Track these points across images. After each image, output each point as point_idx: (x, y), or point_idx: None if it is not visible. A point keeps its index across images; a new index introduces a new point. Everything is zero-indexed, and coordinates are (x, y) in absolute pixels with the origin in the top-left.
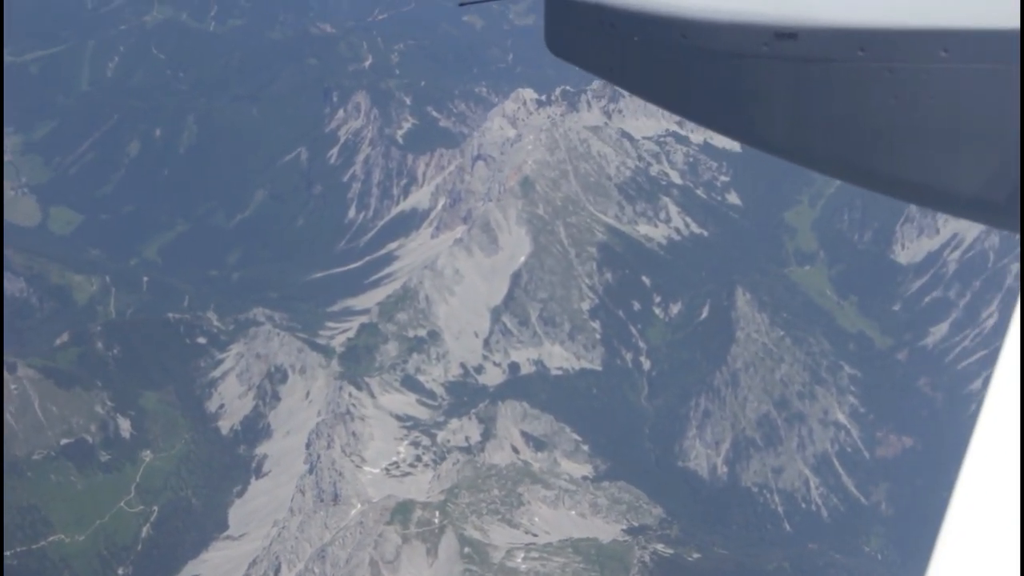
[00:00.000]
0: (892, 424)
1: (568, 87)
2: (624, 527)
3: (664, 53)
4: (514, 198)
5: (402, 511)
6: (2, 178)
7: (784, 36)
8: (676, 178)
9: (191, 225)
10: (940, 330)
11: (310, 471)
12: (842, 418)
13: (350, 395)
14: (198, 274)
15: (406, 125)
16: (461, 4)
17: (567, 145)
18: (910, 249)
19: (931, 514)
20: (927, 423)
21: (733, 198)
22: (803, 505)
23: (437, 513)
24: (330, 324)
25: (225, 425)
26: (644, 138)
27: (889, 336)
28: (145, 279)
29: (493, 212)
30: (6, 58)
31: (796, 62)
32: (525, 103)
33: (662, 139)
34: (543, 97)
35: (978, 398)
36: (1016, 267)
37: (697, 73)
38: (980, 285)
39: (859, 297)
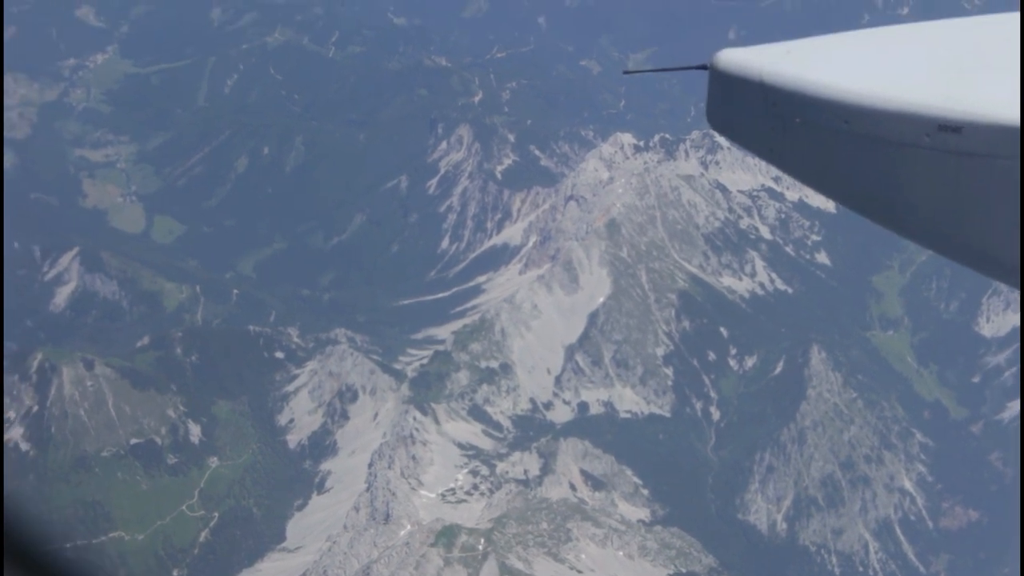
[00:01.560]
0: (960, 496)
1: (667, 135)
2: (671, 572)
3: (825, 137)
4: (599, 239)
5: (447, 534)
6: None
7: (947, 129)
8: (766, 233)
9: (289, 243)
10: (1017, 405)
11: (367, 490)
12: (908, 485)
13: (415, 419)
14: (290, 292)
15: (507, 161)
16: (625, 72)
17: (657, 191)
18: (995, 322)
19: None
20: (995, 498)
21: (822, 258)
22: (860, 568)
23: (482, 540)
24: (411, 351)
25: (293, 439)
26: (739, 191)
27: (965, 407)
28: (235, 292)
29: (576, 251)
30: (130, 69)
31: (958, 156)
32: (623, 147)
33: (756, 193)
34: (641, 143)
35: None
36: None
37: (857, 159)
38: None
39: (939, 366)
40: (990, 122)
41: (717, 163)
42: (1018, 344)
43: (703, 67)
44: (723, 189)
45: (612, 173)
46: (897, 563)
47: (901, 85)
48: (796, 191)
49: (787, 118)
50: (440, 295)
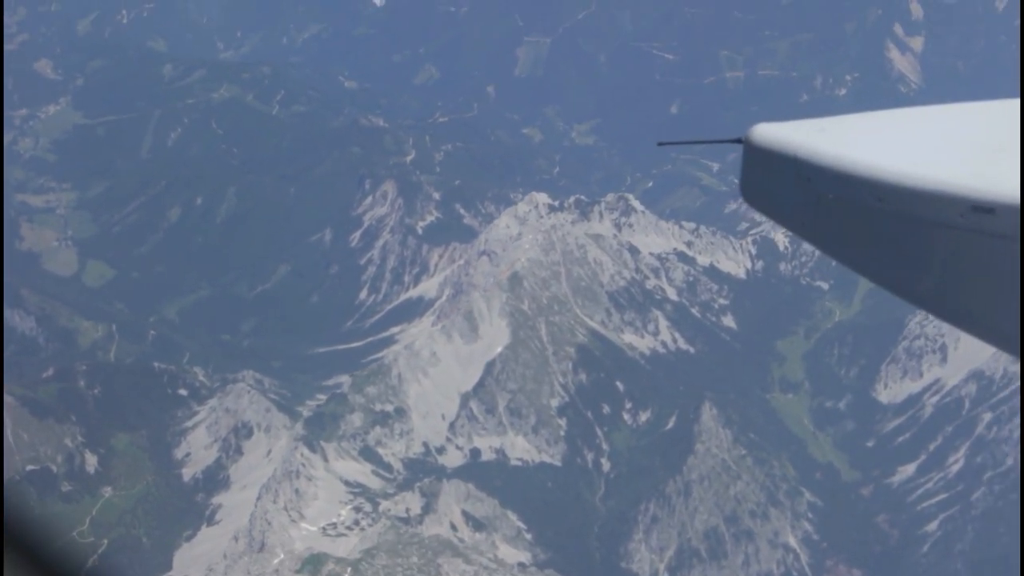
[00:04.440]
0: (844, 555)
1: (583, 196)
2: None
3: (857, 214)
4: (500, 291)
5: (313, 562)
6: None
7: (981, 210)
8: (672, 294)
9: (214, 291)
10: (907, 470)
11: (249, 520)
12: (793, 542)
13: (302, 455)
14: (210, 337)
15: (429, 218)
16: (659, 144)
17: (563, 248)
18: (892, 389)
19: None
20: (879, 558)
21: (728, 321)
22: None
23: (349, 569)
24: (320, 396)
25: (188, 472)
26: (649, 253)
27: (857, 470)
28: (152, 333)
29: (478, 302)
30: (80, 120)
31: (991, 237)
32: (537, 206)
33: (666, 256)
34: (556, 203)
35: (932, 539)
36: (988, 416)
37: (889, 237)
38: (952, 431)
39: (835, 430)
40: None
41: (631, 225)
42: (912, 411)
43: (737, 140)
44: (633, 250)
45: (522, 229)
46: None
47: (936, 165)
48: (708, 256)
49: (820, 194)
50: (354, 344)
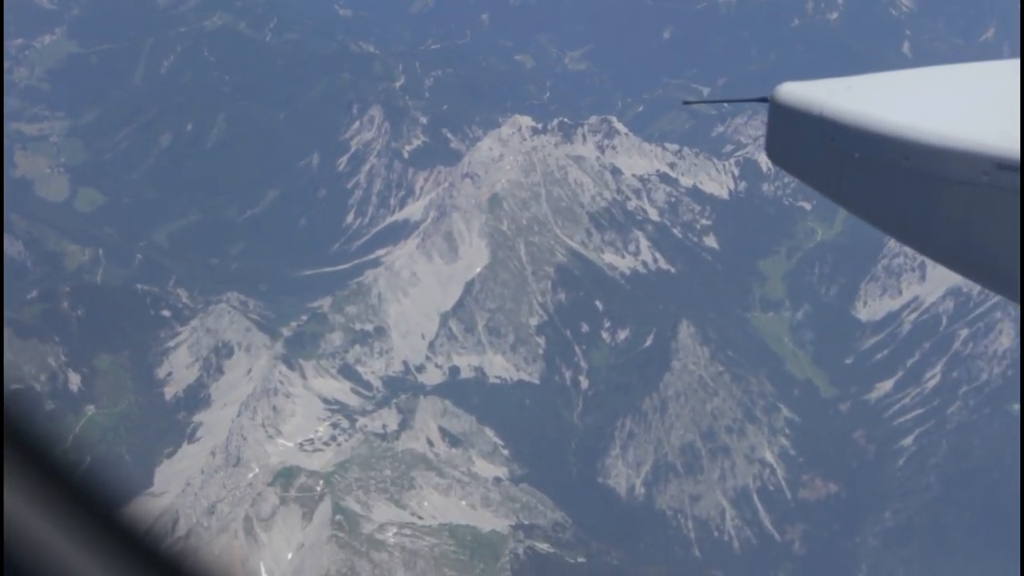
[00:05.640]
0: (820, 469)
1: (566, 119)
2: (513, 523)
3: (883, 172)
4: (480, 212)
5: (285, 475)
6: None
7: (1006, 167)
8: (654, 215)
9: (203, 216)
10: (885, 386)
11: (227, 436)
12: (769, 457)
13: (280, 373)
14: (199, 261)
15: (416, 142)
16: (685, 103)
17: (543, 169)
18: (871, 307)
19: (841, 557)
20: (855, 473)
21: (710, 241)
22: (716, 534)
23: (321, 482)
24: (304, 318)
25: (170, 391)
26: (632, 175)
27: (836, 387)
28: (138, 256)
29: (457, 223)
30: (74, 50)
31: (1015, 194)
32: (520, 129)
33: (648, 177)
34: (539, 126)
35: (907, 453)
36: (964, 332)
37: (914, 195)
38: (929, 347)
39: (815, 348)
40: None
41: (614, 147)
42: (890, 328)
43: (763, 100)
44: (616, 172)
45: (504, 151)
46: (753, 530)
47: (961, 123)
48: (690, 177)
49: (846, 153)
50: (341, 267)
